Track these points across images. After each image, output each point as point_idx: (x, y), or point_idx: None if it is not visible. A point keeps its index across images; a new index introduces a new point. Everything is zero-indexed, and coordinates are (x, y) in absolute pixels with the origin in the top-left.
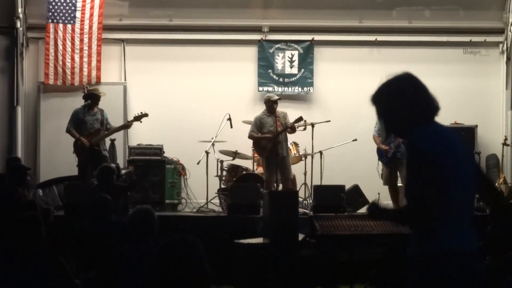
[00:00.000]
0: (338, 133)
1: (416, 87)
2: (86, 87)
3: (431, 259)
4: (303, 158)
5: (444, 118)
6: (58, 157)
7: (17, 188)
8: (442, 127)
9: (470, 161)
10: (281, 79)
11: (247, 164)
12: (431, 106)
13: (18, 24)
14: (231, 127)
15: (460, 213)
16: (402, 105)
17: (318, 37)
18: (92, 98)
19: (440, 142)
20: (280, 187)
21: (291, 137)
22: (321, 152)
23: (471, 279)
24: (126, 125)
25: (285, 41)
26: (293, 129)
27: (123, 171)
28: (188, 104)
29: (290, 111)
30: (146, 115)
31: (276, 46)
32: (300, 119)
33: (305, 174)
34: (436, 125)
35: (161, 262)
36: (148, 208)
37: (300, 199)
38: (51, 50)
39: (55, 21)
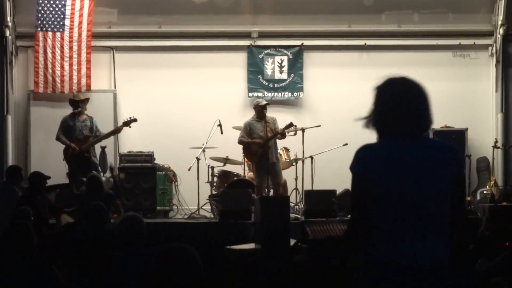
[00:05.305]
0: (329, 137)
1: (391, 95)
2: (75, 95)
3: (362, 268)
4: (294, 163)
5: (434, 121)
6: (48, 165)
7: (37, 196)
8: (395, 145)
9: (428, 180)
10: (270, 85)
11: (238, 169)
12: (395, 122)
13: (7, 33)
14: (222, 133)
15: (400, 229)
16: (373, 105)
17: (307, 42)
18: (77, 105)
19: (376, 161)
20: (271, 192)
21: (281, 142)
22: (311, 157)
23: None
24: (115, 131)
25: (275, 47)
26: (283, 135)
27: (104, 178)
28: (178, 110)
29: (280, 116)
30: (135, 120)
31: (266, 51)
32: (290, 125)
33: (296, 179)
34: (391, 143)
35: (159, 270)
36: (135, 215)
37: (292, 204)
38: (41, 58)
39: (44, 29)
